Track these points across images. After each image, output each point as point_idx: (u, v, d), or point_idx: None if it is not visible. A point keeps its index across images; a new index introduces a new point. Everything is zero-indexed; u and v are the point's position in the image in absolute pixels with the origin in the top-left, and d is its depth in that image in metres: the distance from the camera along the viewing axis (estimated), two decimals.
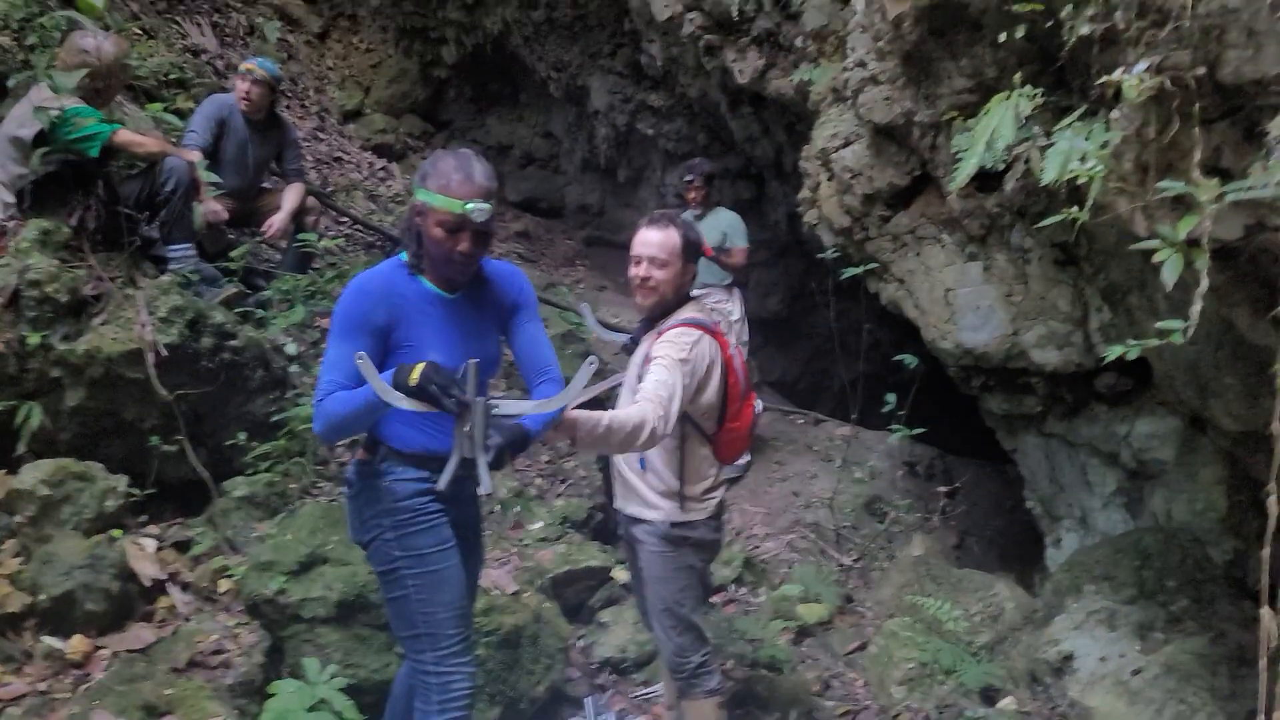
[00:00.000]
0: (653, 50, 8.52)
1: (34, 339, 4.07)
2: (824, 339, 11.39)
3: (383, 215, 8.65)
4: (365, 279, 2.76)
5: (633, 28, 8.96)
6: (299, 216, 5.91)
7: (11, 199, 4.54)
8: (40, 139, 4.49)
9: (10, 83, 4.78)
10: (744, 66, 7.00)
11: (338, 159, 9.20)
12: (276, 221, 5.78)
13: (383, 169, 9.82)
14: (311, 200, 6.27)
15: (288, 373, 4.78)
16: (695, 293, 3.63)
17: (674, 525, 3.44)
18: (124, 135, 4.67)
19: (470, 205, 2.63)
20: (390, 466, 2.85)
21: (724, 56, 7.14)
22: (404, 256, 2.82)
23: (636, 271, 3.43)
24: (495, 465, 2.49)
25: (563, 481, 5.87)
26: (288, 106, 9.19)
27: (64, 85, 4.32)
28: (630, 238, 3.52)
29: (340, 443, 5.01)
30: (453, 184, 2.65)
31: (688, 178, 6.78)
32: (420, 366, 2.51)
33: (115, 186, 4.79)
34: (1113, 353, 2.75)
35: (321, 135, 9.39)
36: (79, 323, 4.19)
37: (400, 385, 2.50)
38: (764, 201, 10.56)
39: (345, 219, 7.96)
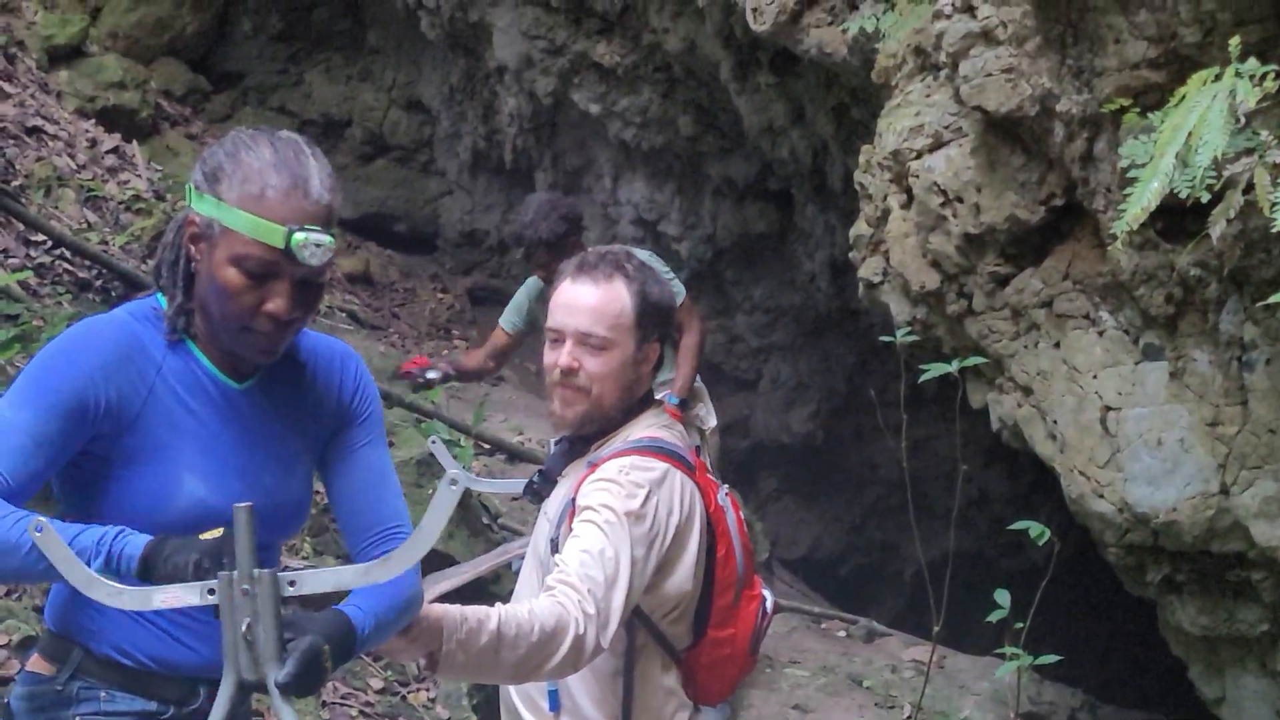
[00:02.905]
0: None
1: None
2: (888, 488, 11.45)
3: (111, 234, 8.62)
4: (99, 328, 2.75)
5: None
6: None
7: None
8: None
9: None
10: (761, 3, 7.14)
11: (34, 130, 9.22)
12: None
13: (114, 151, 9.82)
14: None
15: None
16: (660, 394, 3.66)
17: None
18: None
19: (301, 235, 2.61)
20: (89, 689, 2.81)
21: None
22: (161, 304, 2.82)
23: (554, 358, 3.44)
24: (302, 689, 2.46)
25: None
26: None
27: None
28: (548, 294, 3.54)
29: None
30: (270, 193, 2.62)
31: (517, 252, 7.05)
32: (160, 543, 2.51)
33: None
34: None
35: (7, 88, 9.42)
36: None
37: (137, 561, 2.50)
38: (791, 239, 10.69)
39: (41, 238, 7.93)
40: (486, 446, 8.61)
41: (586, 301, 3.41)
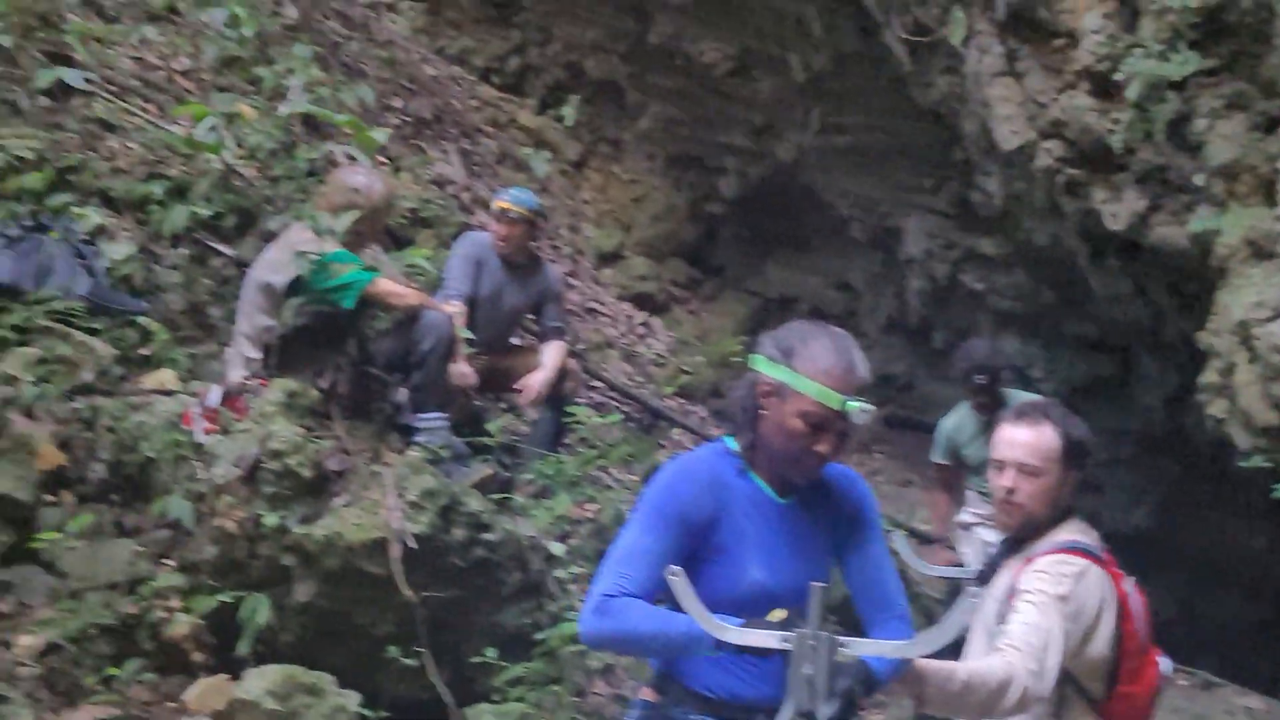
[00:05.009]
0: (989, 186, 8.59)
1: (270, 519, 4.44)
2: (1199, 564, 10.73)
3: (642, 381, 8.91)
4: (689, 463, 2.89)
5: (964, 158, 9.07)
6: (558, 382, 6.15)
7: (257, 354, 5.04)
8: (294, 287, 5.01)
9: (272, 224, 5.37)
10: (1118, 209, 6.92)
11: (591, 310, 9.63)
12: (536, 383, 6.02)
13: (643, 324, 10.21)
14: (572, 363, 6.52)
15: (546, 578, 4.96)
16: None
17: None
18: (383, 284, 5.15)
19: (854, 404, 2.71)
20: (685, 713, 2.87)
21: (1091, 196, 7.09)
22: (730, 444, 2.91)
23: (1000, 482, 3.40)
24: (841, 718, 2.48)
25: None
26: (538, 247, 9.80)
27: (330, 228, 4.83)
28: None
29: (599, 669, 5.08)
30: (833, 371, 2.72)
31: (978, 379, 6.35)
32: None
33: (366, 344, 5.24)
34: None
35: (574, 281, 9.88)
36: (318, 502, 4.56)
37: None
38: (1131, 381, 10.23)
39: (598, 384, 8.22)
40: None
41: (1024, 438, 3.37)
